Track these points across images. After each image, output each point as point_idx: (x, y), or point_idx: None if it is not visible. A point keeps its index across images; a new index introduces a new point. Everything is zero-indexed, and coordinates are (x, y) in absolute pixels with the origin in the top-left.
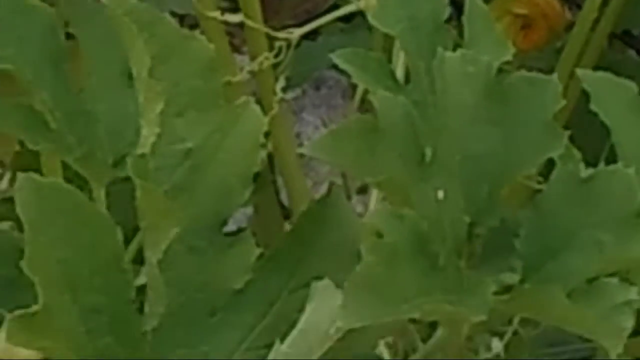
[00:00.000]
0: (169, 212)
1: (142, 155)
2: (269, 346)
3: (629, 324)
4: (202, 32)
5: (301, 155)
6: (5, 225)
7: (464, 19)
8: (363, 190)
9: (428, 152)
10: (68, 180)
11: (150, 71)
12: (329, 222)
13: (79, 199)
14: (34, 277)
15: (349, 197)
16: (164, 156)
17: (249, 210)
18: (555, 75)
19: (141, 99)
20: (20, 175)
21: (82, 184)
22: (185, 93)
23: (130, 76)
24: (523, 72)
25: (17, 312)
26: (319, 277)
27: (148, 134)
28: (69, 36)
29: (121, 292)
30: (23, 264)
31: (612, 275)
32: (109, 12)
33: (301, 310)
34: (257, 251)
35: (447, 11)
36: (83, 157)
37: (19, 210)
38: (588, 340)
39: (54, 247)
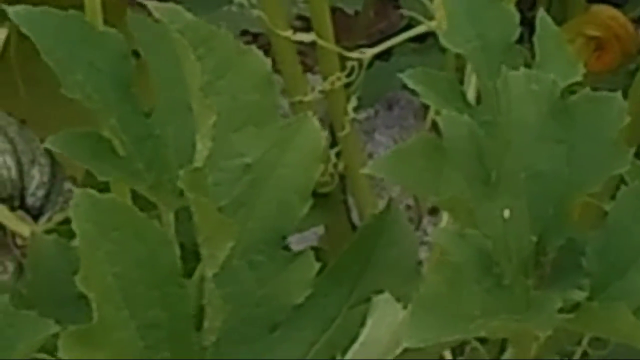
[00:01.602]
0: (224, 226)
1: (196, 170)
2: None
3: None
4: (274, 51)
5: (372, 176)
6: (77, 242)
7: (535, 39)
8: (434, 210)
9: (493, 171)
10: (136, 198)
11: (203, 86)
12: (387, 237)
13: (134, 214)
14: (89, 292)
15: (420, 217)
16: (222, 171)
17: (321, 229)
18: (619, 93)
19: (195, 114)
20: (76, 191)
21: (150, 205)
22: (243, 108)
23: None
24: (587, 91)
25: (72, 328)
26: (379, 292)
27: (202, 149)
28: (136, 55)
29: (179, 307)
30: (77, 279)
31: None
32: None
33: (362, 324)
34: (317, 266)
35: (518, 31)
36: (152, 185)
37: (74, 225)
38: None
39: (110, 262)
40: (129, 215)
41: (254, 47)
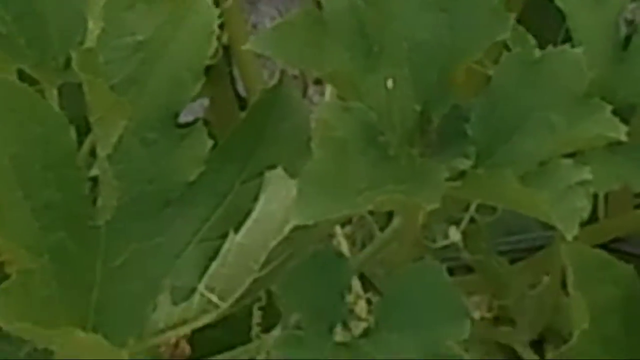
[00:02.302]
0: (117, 106)
1: (89, 50)
2: (224, 237)
3: (584, 204)
4: None
5: None
6: None
7: None
8: (320, 80)
9: (375, 42)
10: (21, 77)
11: None
12: (279, 111)
13: (31, 96)
14: None
15: (305, 87)
16: (113, 50)
17: (206, 101)
18: None
19: None
20: None
21: (33, 81)
22: None
23: None
24: None
25: None
26: (271, 167)
27: (93, 28)
28: None
29: (74, 188)
30: None
31: (567, 156)
32: None
33: (255, 200)
34: (210, 143)
35: None
36: (35, 63)
37: None
38: (550, 228)
39: (5, 144)
40: (25, 96)
41: None
